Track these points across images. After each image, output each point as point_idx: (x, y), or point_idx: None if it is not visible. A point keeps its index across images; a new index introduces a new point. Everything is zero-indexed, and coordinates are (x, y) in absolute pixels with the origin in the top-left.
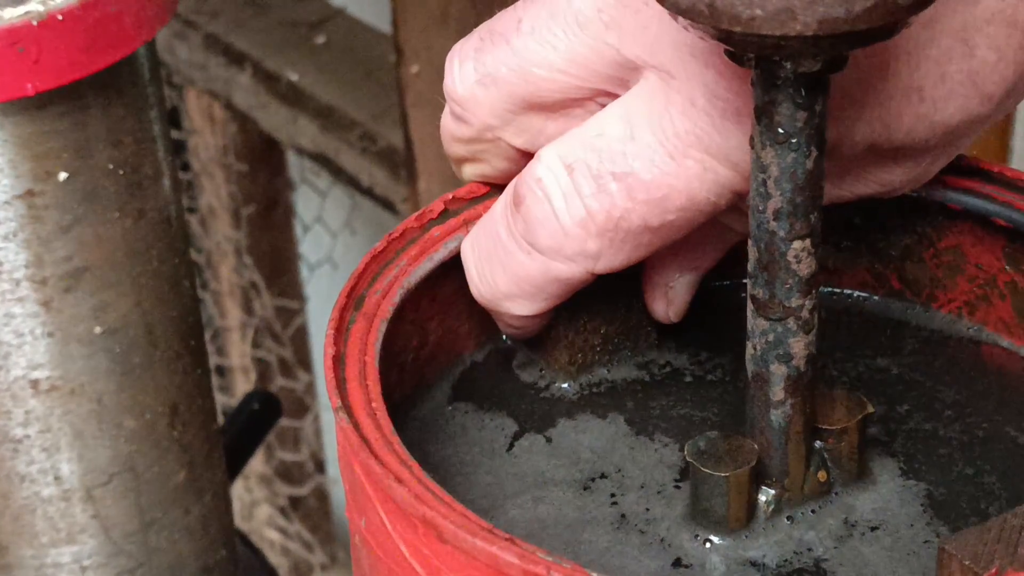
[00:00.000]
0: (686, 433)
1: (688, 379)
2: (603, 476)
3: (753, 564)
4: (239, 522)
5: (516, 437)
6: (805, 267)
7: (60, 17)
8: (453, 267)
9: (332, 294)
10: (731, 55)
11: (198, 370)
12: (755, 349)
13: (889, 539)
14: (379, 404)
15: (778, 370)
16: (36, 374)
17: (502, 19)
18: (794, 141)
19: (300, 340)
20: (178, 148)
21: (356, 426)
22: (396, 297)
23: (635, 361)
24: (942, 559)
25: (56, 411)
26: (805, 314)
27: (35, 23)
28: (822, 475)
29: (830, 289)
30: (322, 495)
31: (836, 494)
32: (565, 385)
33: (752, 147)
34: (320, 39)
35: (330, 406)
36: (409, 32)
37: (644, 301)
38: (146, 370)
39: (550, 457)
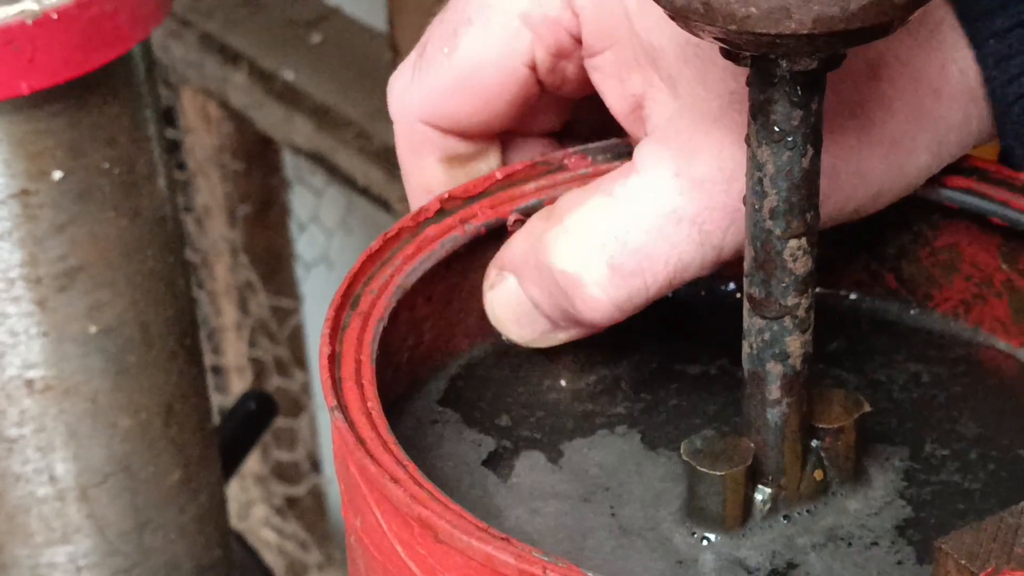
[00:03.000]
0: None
1: (693, 379)
2: (606, 489)
3: (747, 563)
4: (234, 522)
5: (511, 440)
6: (801, 266)
7: (55, 16)
8: (448, 266)
9: (328, 293)
10: (726, 53)
11: (193, 369)
12: (751, 348)
13: (870, 549)
14: (375, 404)
15: (774, 369)
16: (31, 373)
17: None
18: (790, 139)
19: (296, 339)
20: (173, 147)
21: (352, 425)
22: (392, 296)
23: (637, 360)
24: (938, 558)
25: (51, 411)
26: (801, 313)
27: (30, 22)
28: (819, 474)
29: (826, 288)
30: (318, 495)
31: (833, 493)
32: (563, 383)
33: (748, 145)
34: (316, 38)
35: (326, 405)
36: (405, 31)
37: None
38: (141, 370)
39: (551, 470)
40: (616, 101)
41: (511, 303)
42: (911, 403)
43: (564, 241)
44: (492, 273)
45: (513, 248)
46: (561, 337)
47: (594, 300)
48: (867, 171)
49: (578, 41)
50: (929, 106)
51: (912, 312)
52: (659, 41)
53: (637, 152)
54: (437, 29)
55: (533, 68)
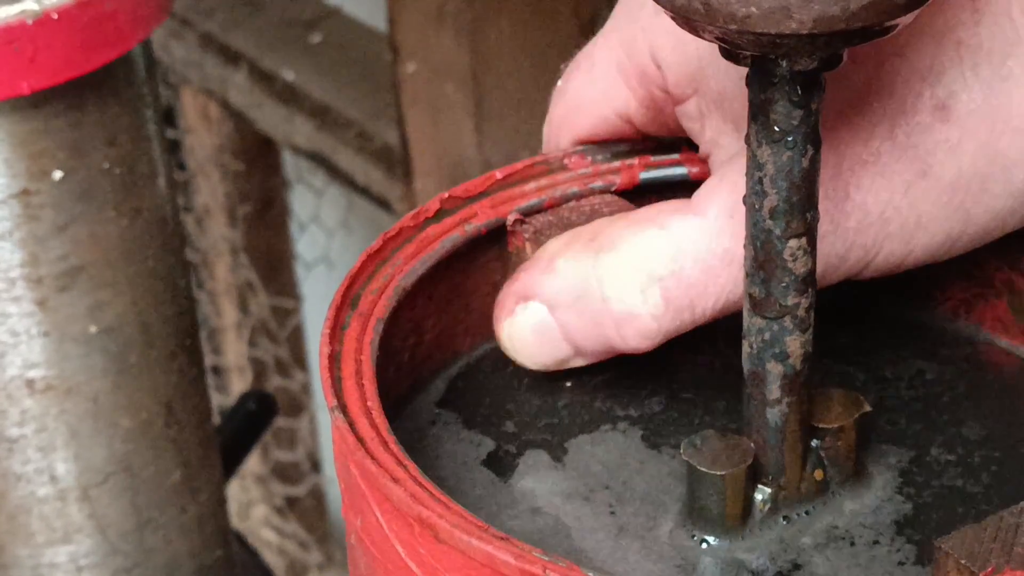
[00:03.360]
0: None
1: (698, 375)
2: (607, 488)
3: (747, 563)
4: (235, 522)
5: (514, 440)
6: (801, 265)
7: (55, 16)
8: (449, 266)
9: (328, 293)
10: (726, 53)
11: (194, 369)
12: (751, 347)
13: (868, 551)
14: (375, 403)
15: (774, 369)
16: (32, 373)
17: None
18: (790, 139)
19: (296, 339)
20: (174, 147)
21: (352, 425)
22: (392, 296)
23: (642, 356)
24: (938, 557)
25: (52, 410)
26: (801, 312)
27: (30, 22)
28: (819, 474)
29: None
30: (318, 495)
31: (833, 493)
32: (567, 382)
33: (748, 145)
34: (316, 38)
35: (326, 405)
36: (405, 31)
37: None
38: (142, 369)
39: (554, 468)
40: (703, 146)
41: (535, 331)
42: (917, 401)
43: (622, 271)
44: (510, 302)
45: (553, 279)
46: (577, 363)
47: (647, 329)
48: (926, 218)
49: (667, 92)
50: (1006, 146)
51: (915, 310)
52: (726, 86)
53: (698, 190)
54: (568, 66)
55: (628, 119)
